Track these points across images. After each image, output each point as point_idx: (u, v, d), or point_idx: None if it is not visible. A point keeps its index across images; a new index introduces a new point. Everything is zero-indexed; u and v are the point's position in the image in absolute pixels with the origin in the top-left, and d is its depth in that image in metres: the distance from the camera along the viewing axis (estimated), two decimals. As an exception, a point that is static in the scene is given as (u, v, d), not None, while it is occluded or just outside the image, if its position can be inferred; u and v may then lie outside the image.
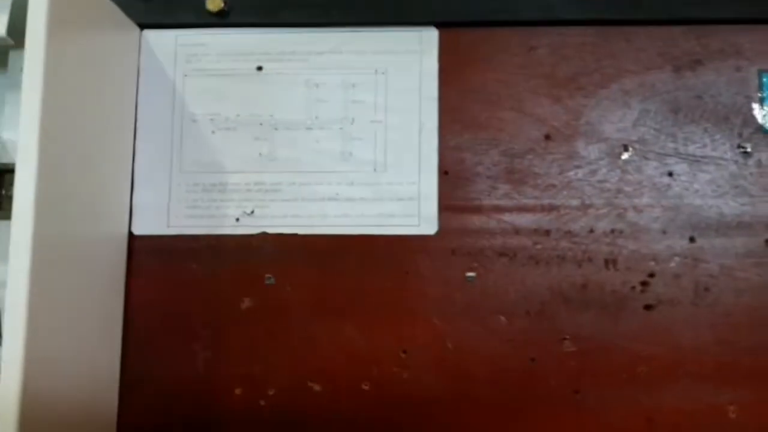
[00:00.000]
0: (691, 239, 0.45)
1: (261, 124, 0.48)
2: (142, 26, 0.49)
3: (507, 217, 0.46)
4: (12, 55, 0.47)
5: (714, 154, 0.45)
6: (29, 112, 0.36)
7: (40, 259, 0.36)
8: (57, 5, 0.37)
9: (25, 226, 0.35)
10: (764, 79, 0.46)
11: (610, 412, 0.44)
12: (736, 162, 0.45)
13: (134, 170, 0.47)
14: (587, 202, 0.45)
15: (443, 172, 0.46)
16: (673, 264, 0.45)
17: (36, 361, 0.36)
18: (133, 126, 0.48)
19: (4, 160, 0.45)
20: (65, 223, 0.39)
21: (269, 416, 0.45)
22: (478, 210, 0.46)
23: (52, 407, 0.39)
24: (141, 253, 0.47)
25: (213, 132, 0.48)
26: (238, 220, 0.47)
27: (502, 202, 0.46)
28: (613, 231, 0.45)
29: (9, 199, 0.45)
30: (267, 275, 0.46)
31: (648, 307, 0.44)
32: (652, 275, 0.45)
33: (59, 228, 0.38)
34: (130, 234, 0.47)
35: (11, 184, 0.45)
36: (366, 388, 0.45)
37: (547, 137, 0.46)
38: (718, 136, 0.46)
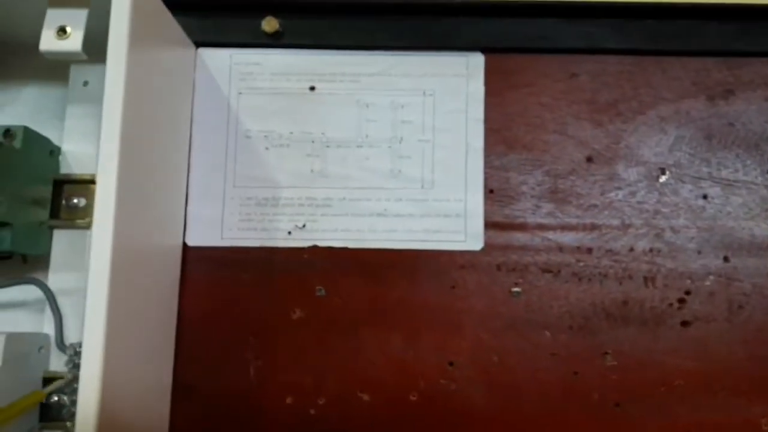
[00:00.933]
0: (725, 259, 0.47)
1: (313, 141, 0.49)
2: (198, 44, 0.50)
3: (551, 234, 0.48)
4: (73, 70, 0.48)
5: (745, 178, 0.48)
6: (110, 124, 0.37)
7: (117, 268, 0.37)
8: (136, 21, 0.39)
9: (105, 234, 0.36)
10: (792, 109, 0.48)
11: (649, 425, 0.46)
12: (766, 186, 0.48)
13: (189, 183, 0.49)
14: (627, 222, 0.48)
15: (489, 191, 0.48)
16: (708, 282, 0.47)
17: (112, 371, 0.37)
18: (188, 140, 0.49)
19: (65, 171, 0.47)
20: (135, 232, 0.40)
21: (319, 425, 0.46)
22: (522, 227, 0.48)
23: (111, 417, 0.39)
24: (194, 263, 0.48)
25: (266, 148, 0.49)
26: (290, 233, 0.48)
27: (546, 221, 0.48)
28: (651, 250, 0.47)
29: (68, 208, 0.46)
30: (317, 287, 0.48)
31: (685, 324, 0.46)
32: (688, 293, 0.47)
33: (130, 237, 0.39)
34: (184, 245, 0.48)
35: (71, 194, 0.46)
36: (414, 399, 0.46)
37: (589, 159, 0.48)
38: (749, 162, 0.48)
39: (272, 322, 0.47)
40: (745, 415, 0.45)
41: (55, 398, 0.42)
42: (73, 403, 0.41)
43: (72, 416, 0.40)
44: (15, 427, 0.40)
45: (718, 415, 0.45)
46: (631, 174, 0.48)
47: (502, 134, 0.49)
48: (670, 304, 0.47)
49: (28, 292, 0.45)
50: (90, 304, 0.36)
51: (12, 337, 0.39)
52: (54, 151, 0.46)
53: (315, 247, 0.48)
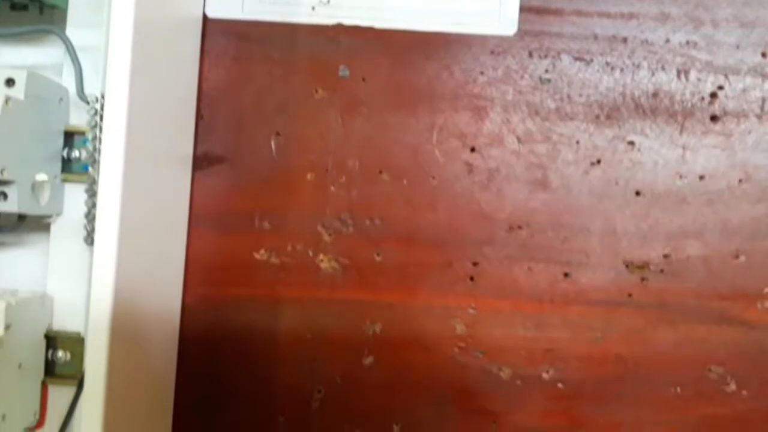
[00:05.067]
0: (763, 55, 0.46)
1: None
2: None
3: (587, 22, 0.46)
4: None
5: (795, -27, 0.46)
6: None
7: (138, 31, 0.36)
8: None
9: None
10: None
11: (669, 214, 0.46)
12: (816, -18, 0.46)
13: (210, -51, 0.46)
14: (666, 11, 0.46)
15: (525, -26, 0.46)
16: (742, 78, 0.46)
17: (134, 126, 0.36)
18: None
19: None
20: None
21: (339, 197, 0.46)
22: (559, 13, 0.46)
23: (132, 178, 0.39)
24: (215, 36, 0.46)
25: None
26: (313, 8, 0.46)
27: (583, 7, 0.46)
28: (688, 42, 0.46)
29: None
30: (341, 66, 0.46)
31: (714, 119, 0.46)
32: (721, 87, 0.46)
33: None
34: (204, 17, 0.46)
35: None
36: (434, 182, 0.46)
37: (634, -57, 0.46)
38: (801, -45, 0.46)
39: (294, 100, 0.46)
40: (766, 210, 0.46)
41: (76, 153, 0.42)
42: (95, 157, 0.40)
43: (95, 162, 0.40)
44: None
45: (740, 211, 0.46)
46: (676, -39, 0.46)
47: None
48: (702, 98, 0.46)
49: (44, 52, 0.43)
50: (111, 58, 0.36)
51: (33, 76, 0.38)
52: None
53: (340, 26, 0.46)
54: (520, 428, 0.45)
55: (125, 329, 0.39)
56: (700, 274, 0.45)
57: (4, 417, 0.39)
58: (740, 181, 0.45)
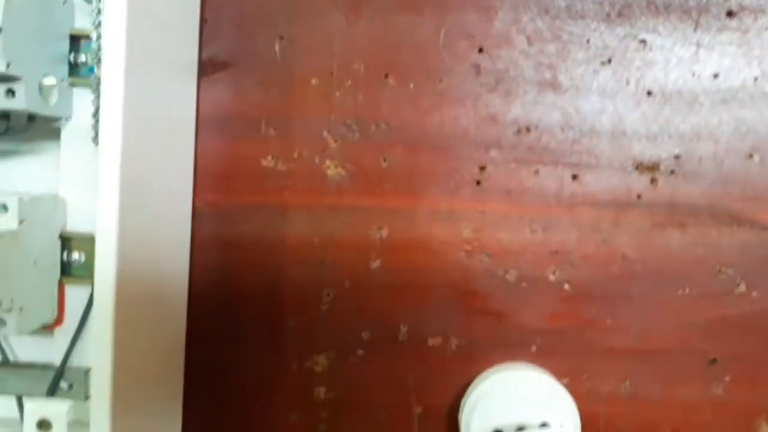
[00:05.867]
0: (785, -55, 0.44)
1: None
2: None
3: None
4: None
5: None
6: None
7: None
8: None
9: None
10: None
11: (680, 116, 0.45)
12: None
13: None
14: None
15: None
16: (762, -29, 0.44)
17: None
18: None
19: None
20: None
21: (344, 102, 0.46)
22: None
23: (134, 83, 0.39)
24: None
25: None
26: None
27: None
28: (706, -67, 0.44)
29: None
30: (346, -32, 0.46)
31: (730, 14, 0.44)
32: (739, -19, 0.44)
33: None
34: None
35: None
36: (441, 86, 0.46)
37: None
38: None
39: (297, 2, 0.46)
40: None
41: (83, 57, 0.42)
42: (99, 57, 0.41)
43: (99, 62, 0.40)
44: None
45: (755, 110, 0.45)
46: None
47: None
48: (718, -7, 0.44)
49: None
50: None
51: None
52: None
53: (344, -75, 0.45)
54: (526, 329, 0.46)
55: (134, 229, 0.40)
56: (712, 174, 0.45)
57: (21, 309, 0.40)
58: (755, 79, 0.44)
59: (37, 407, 0.37)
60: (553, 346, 0.46)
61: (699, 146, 0.45)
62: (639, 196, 0.45)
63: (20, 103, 0.39)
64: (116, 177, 0.38)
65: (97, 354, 0.38)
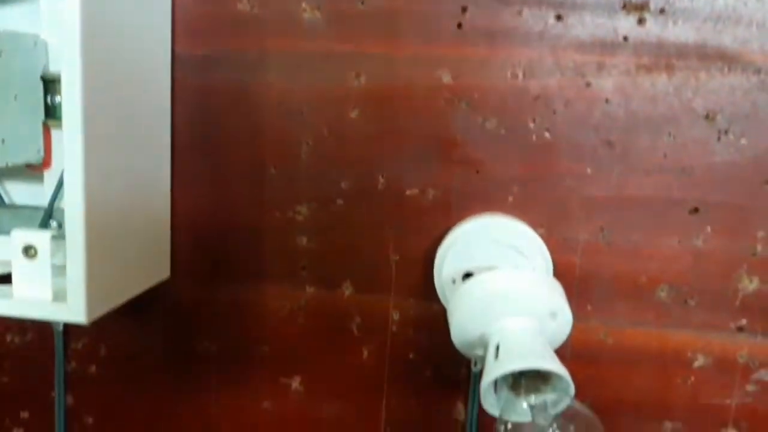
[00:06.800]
0: None
1: None
2: None
3: None
4: None
5: None
6: None
7: None
8: None
9: None
10: None
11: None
12: None
13: None
14: None
15: None
16: None
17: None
18: None
19: None
20: None
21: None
22: None
23: None
24: None
25: None
26: None
27: None
28: None
29: None
30: None
31: None
32: None
33: None
34: None
35: None
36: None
37: None
38: None
39: None
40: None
41: None
42: None
43: None
44: None
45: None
46: None
47: None
48: None
49: None
50: None
51: None
52: None
53: None
54: (504, 179, 0.45)
55: (104, 71, 0.40)
56: (704, 14, 0.42)
57: (3, 141, 0.42)
58: None
59: (23, 235, 0.39)
60: (530, 196, 0.45)
61: (693, -18, 0.42)
62: (625, 38, 0.43)
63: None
64: (77, 17, 0.37)
65: (68, 192, 0.38)
